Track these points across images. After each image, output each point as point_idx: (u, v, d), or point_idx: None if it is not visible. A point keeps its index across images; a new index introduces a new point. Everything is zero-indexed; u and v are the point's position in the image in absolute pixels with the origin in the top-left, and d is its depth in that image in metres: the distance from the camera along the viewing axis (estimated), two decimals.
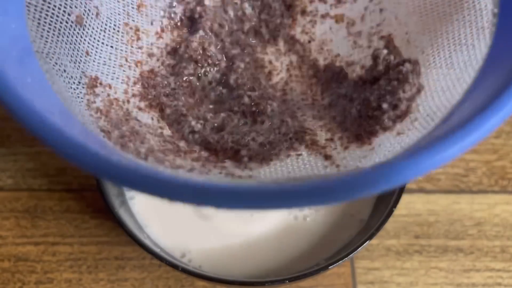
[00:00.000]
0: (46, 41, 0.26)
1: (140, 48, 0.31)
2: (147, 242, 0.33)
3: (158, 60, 0.32)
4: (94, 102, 0.27)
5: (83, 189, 0.41)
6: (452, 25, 0.27)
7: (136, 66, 0.31)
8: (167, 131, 0.30)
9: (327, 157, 0.28)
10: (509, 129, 0.43)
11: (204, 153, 0.29)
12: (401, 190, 0.34)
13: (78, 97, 0.27)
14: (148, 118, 0.30)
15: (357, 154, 0.27)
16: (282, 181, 0.26)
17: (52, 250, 0.39)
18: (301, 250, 0.36)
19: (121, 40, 0.31)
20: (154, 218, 0.37)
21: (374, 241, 0.38)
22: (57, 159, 0.41)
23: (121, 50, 0.30)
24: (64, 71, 0.26)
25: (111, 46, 0.30)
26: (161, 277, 0.38)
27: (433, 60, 0.27)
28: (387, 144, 0.26)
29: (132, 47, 0.31)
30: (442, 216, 0.40)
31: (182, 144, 0.29)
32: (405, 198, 0.40)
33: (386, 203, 0.34)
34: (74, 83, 0.27)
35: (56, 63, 0.26)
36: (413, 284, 0.38)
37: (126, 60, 0.31)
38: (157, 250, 0.33)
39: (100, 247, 0.39)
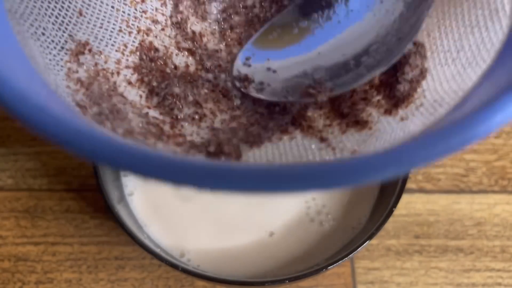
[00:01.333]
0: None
1: (144, 12, 0.29)
2: (147, 242, 0.33)
3: (163, 29, 0.29)
4: (76, 71, 0.25)
5: (83, 189, 0.41)
6: (462, 6, 0.26)
7: (138, 33, 0.28)
8: (153, 112, 0.27)
9: (322, 139, 0.27)
10: (509, 129, 0.43)
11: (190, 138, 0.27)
12: (401, 190, 0.34)
13: (58, 64, 0.24)
14: (136, 94, 0.27)
15: (355, 138, 0.26)
16: (275, 165, 0.24)
17: (52, 250, 0.39)
18: (301, 250, 0.36)
19: (124, 0, 0.28)
20: (153, 217, 0.37)
21: (374, 241, 0.38)
22: (57, 159, 0.41)
23: (123, 12, 0.28)
24: (43, 34, 0.23)
25: (112, 6, 0.27)
26: (161, 277, 0.38)
27: (441, 44, 0.26)
28: (389, 130, 0.25)
29: (135, 10, 0.28)
30: (442, 216, 0.40)
31: (167, 127, 0.27)
32: (405, 198, 0.40)
33: (386, 203, 0.34)
34: (55, 48, 0.24)
35: (32, 25, 0.23)
36: (413, 284, 0.38)
37: (127, 25, 0.28)
38: (157, 250, 0.33)
39: (100, 247, 0.39)
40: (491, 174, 0.41)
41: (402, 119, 0.25)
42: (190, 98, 0.29)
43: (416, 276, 0.38)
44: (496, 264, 0.38)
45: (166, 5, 0.30)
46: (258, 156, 0.26)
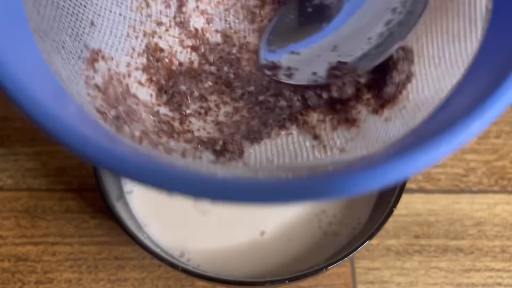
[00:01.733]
0: (43, 17, 0.25)
1: (149, 16, 0.31)
2: (147, 242, 0.33)
3: (167, 30, 0.31)
4: (93, 78, 0.27)
5: (83, 189, 0.41)
6: (446, 15, 0.27)
7: (144, 36, 0.30)
8: (163, 110, 0.29)
9: (315, 136, 0.29)
10: (509, 129, 0.43)
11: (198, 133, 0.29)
12: (401, 190, 0.34)
13: (77, 73, 0.26)
14: (146, 94, 0.29)
15: (344, 136, 0.28)
16: (273, 165, 0.27)
17: (52, 250, 0.39)
18: (301, 250, 0.36)
19: (130, 7, 0.30)
20: (153, 216, 0.37)
21: (374, 241, 0.38)
22: (57, 159, 0.41)
23: (129, 18, 0.29)
24: (63, 47, 0.25)
25: (120, 14, 0.29)
26: (161, 277, 0.38)
27: (427, 49, 0.28)
28: (374, 129, 0.27)
29: (141, 15, 0.30)
30: (442, 216, 0.40)
31: (176, 124, 0.29)
32: (405, 198, 0.40)
33: (386, 203, 0.34)
34: (73, 58, 0.26)
35: (54, 40, 0.25)
36: (413, 284, 0.38)
37: (134, 30, 0.30)
38: (157, 250, 0.33)
39: (100, 247, 0.39)
40: (491, 174, 0.41)
41: (386, 119, 0.27)
42: (196, 93, 0.31)
43: (416, 276, 0.38)
44: (496, 264, 0.38)
45: (170, 7, 0.32)
46: (258, 152, 0.28)
